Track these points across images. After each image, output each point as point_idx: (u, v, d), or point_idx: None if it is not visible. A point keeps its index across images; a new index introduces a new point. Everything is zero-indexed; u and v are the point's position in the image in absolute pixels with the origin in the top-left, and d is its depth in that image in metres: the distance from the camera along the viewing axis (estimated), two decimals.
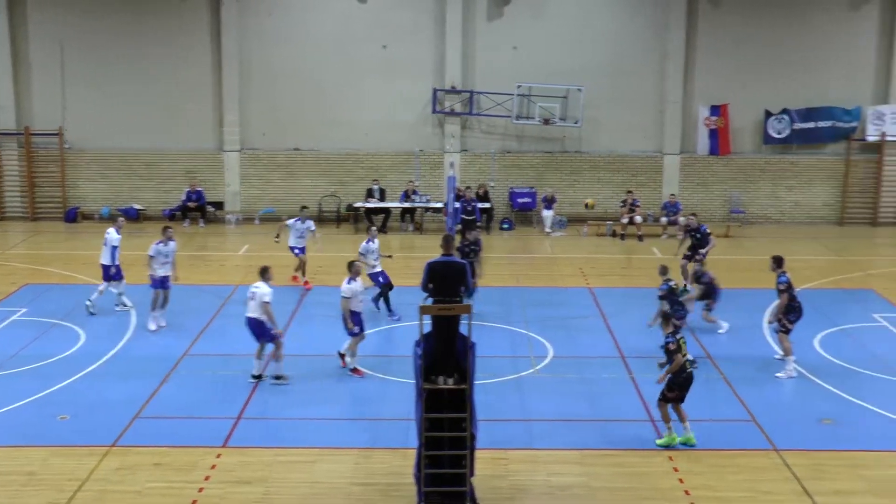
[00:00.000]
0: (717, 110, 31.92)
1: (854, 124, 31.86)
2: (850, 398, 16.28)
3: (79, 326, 19.87)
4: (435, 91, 31.84)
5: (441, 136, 32.33)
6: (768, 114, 31.88)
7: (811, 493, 12.95)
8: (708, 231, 22.57)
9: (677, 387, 14.26)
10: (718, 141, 32.11)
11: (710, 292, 19.77)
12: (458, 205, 28.28)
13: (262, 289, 16.60)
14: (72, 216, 32.13)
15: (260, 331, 16.72)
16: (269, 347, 16.84)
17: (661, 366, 14.55)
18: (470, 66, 31.94)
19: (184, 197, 31.78)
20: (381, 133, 32.27)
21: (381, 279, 20.87)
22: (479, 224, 28.63)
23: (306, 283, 23.27)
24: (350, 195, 32.10)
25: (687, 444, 14.23)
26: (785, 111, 31.73)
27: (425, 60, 31.90)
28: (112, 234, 21.04)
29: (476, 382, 12.37)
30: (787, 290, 17.23)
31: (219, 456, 13.92)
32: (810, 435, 14.87)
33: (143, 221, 32.00)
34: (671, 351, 14.25)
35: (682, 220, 24.05)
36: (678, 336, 14.38)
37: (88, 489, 12.90)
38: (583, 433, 14.86)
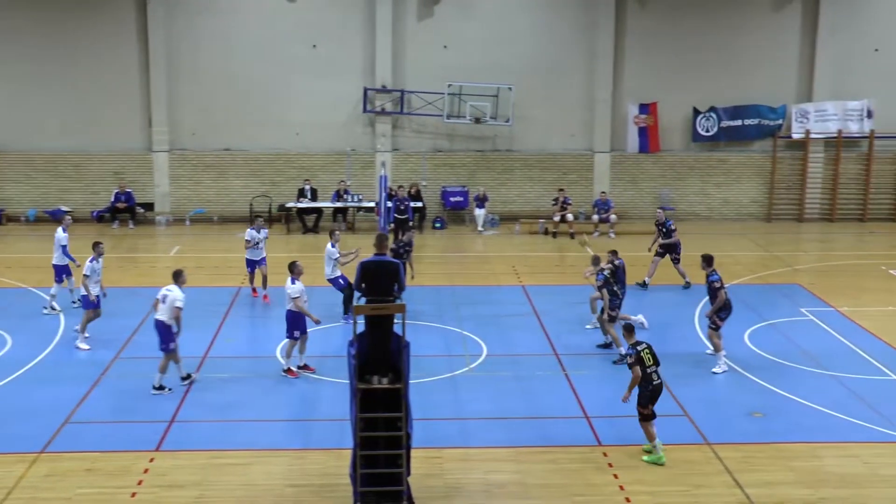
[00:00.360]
0: (646, 108, 32.33)
1: (780, 122, 32.52)
2: (779, 391, 16.64)
3: (4, 331, 19.43)
4: (366, 90, 31.77)
5: (372, 135, 32.26)
6: (696, 112, 32.39)
7: (742, 484, 13.22)
8: (673, 227, 23.65)
9: (648, 401, 13.88)
10: (648, 139, 32.53)
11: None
12: (390, 204, 28.29)
13: (174, 293, 16.29)
14: None
15: (165, 335, 16.28)
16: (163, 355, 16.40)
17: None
18: (400, 66, 31.92)
19: (112, 198, 31.26)
20: (312, 133, 32.10)
21: (342, 282, 20.44)
22: (411, 223, 28.59)
23: (265, 297, 21.92)
24: (281, 195, 31.87)
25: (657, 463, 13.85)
26: (713, 109, 32.28)
27: (355, 59, 31.81)
28: (59, 233, 20.99)
29: (411, 381, 12.41)
30: (721, 287, 17.51)
31: (151, 460, 13.76)
32: (741, 428, 15.15)
33: (72, 224, 31.31)
34: (630, 364, 13.91)
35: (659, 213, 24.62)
36: (640, 347, 13.96)
37: (17, 497, 12.64)
38: (517, 431, 14.96)
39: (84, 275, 18.38)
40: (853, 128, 32.51)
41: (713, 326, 17.60)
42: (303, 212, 30.93)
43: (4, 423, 14.91)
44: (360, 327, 12.31)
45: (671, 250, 23.65)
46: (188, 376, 16.69)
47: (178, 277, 16.57)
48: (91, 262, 18.54)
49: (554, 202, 30.75)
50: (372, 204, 30.67)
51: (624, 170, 32.93)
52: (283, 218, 31.36)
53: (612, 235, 29.86)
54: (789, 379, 17.27)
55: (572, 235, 29.76)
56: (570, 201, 30.68)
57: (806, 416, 15.68)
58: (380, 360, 12.24)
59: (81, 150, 31.82)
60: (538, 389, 16.73)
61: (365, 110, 31.95)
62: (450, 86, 31.40)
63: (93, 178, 31.97)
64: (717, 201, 33.21)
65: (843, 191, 32.99)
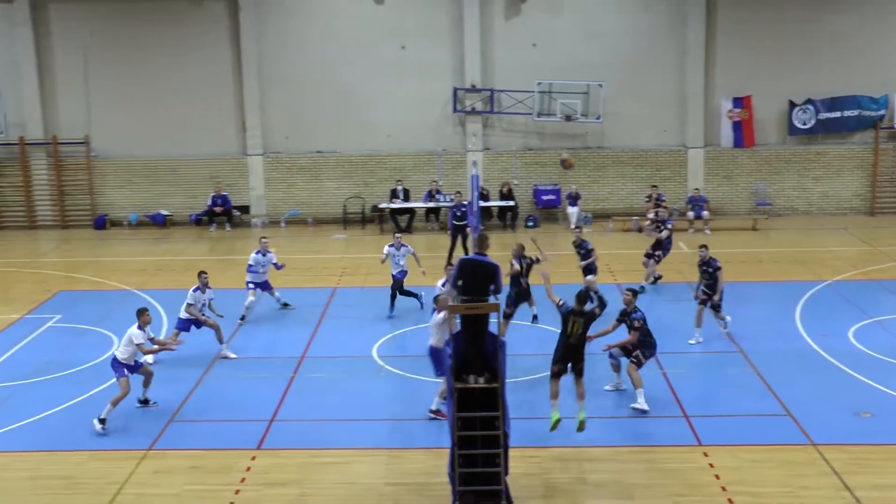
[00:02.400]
0: (739, 102, 31.74)
1: (882, 112, 31.57)
2: (888, 391, 16.12)
3: (111, 332, 20.00)
4: (455, 90, 31.86)
5: (463, 135, 32.34)
6: (792, 104, 31.67)
7: (851, 487, 12.83)
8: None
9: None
10: (742, 133, 31.94)
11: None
12: (449, 205, 27.86)
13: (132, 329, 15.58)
14: (100, 223, 32.37)
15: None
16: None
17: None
18: (489, 65, 31.94)
19: (209, 202, 31.96)
20: (403, 133, 32.33)
21: (397, 276, 20.89)
22: (469, 228, 27.21)
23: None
24: (374, 196, 32.19)
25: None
26: (809, 101, 31.52)
27: (444, 60, 31.92)
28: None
29: (508, 381, 12.37)
30: (641, 327, 15.86)
31: (253, 458, 14.01)
32: (848, 428, 14.69)
33: (171, 227, 32.25)
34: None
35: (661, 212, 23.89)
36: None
37: (127, 492, 13.02)
38: (615, 430, 14.84)
39: (187, 303, 18.27)
40: None
41: (635, 361, 15.93)
42: (395, 212, 31.17)
43: (114, 421, 15.29)
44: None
45: (658, 247, 22.86)
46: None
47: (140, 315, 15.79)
48: (195, 291, 18.37)
49: (647, 199, 30.41)
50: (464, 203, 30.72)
51: (718, 165, 32.38)
52: (376, 219, 31.66)
53: (708, 232, 29.42)
54: None
55: (640, 230, 29.26)
56: (663, 198, 30.27)
57: None
58: (476, 359, 12.24)
59: (179, 155, 32.63)
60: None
61: (455, 110, 32.05)
62: (539, 84, 31.28)
63: (190, 183, 32.74)
64: (816, 195, 32.40)
65: None
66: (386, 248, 21.23)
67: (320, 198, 32.62)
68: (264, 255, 20.84)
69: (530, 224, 31.46)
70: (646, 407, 15.47)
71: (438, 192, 31.01)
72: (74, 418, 15.55)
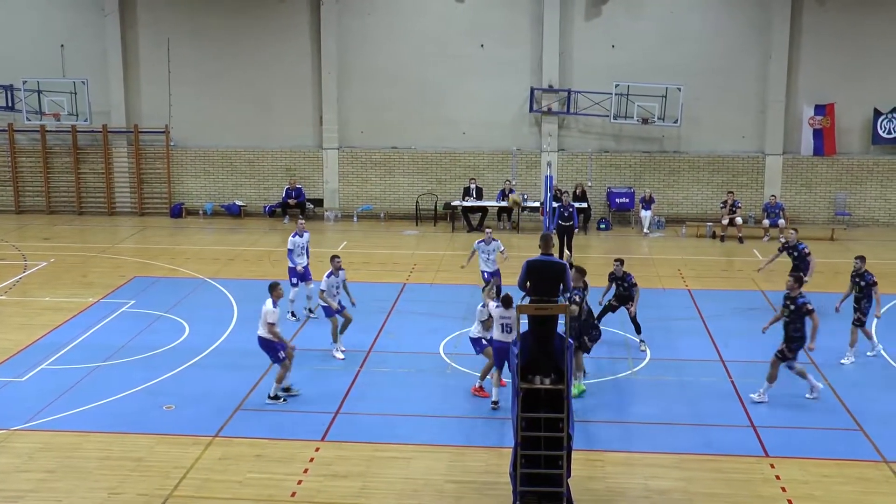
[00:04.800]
0: (822, 109, 31.11)
1: None
2: None
3: (183, 319, 20.38)
4: (532, 90, 31.77)
5: (538, 135, 32.22)
6: (877, 113, 30.94)
7: None
8: (808, 251, 20.97)
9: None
10: (823, 141, 31.29)
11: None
12: (555, 205, 27.93)
13: (266, 306, 15.70)
14: (177, 212, 33.00)
15: (270, 351, 15.91)
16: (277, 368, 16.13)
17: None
18: (567, 65, 31.77)
19: (283, 194, 32.32)
20: (479, 132, 32.34)
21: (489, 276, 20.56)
22: (576, 229, 27.48)
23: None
24: (447, 194, 32.26)
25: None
26: (895, 110, 30.76)
27: (523, 59, 31.85)
28: (291, 238, 20.64)
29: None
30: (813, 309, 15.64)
31: (317, 449, 14.13)
32: None
33: (245, 218, 32.73)
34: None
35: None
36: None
37: (193, 477, 13.23)
38: (681, 437, 14.64)
39: (321, 290, 17.99)
40: None
41: (782, 357, 15.84)
42: (468, 210, 31.18)
43: (183, 407, 15.63)
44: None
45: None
46: (279, 395, 16.02)
47: (272, 290, 15.92)
48: (328, 276, 18.03)
49: (723, 205, 29.99)
50: (537, 204, 30.64)
51: (797, 173, 31.78)
52: (448, 216, 31.72)
53: (783, 240, 28.82)
54: None
55: (741, 240, 28.94)
56: (739, 204, 29.86)
57: None
58: (543, 360, 12.21)
59: (255, 146, 33.09)
60: (703, 396, 16.32)
61: (531, 110, 31.96)
62: (617, 86, 31.02)
63: (265, 174, 33.18)
64: None
65: None
66: (475, 244, 20.86)
67: (393, 193, 32.82)
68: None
69: (602, 227, 31.23)
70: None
71: (512, 191, 30.94)
72: (145, 402, 15.87)
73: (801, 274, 17.68)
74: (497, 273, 20.25)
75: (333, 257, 18.43)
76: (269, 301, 15.73)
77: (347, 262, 25.26)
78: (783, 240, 21.23)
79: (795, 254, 20.44)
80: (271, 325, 15.62)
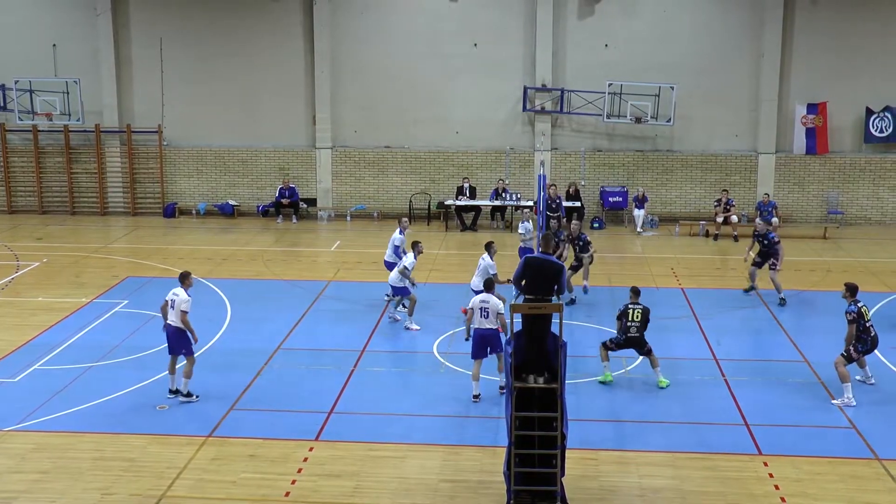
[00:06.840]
0: (814, 108, 31.16)
1: None
2: None
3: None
4: (525, 89, 31.77)
5: (531, 134, 32.24)
6: (869, 112, 31.01)
7: None
8: (777, 239, 21.98)
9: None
10: (816, 140, 31.35)
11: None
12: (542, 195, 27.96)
13: (181, 296, 15.81)
14: (170, 211, 32.94)
15: (182, 341, 15.88)
16: (182, 360, 16.05)
17: None
18: (560, 64, 31.78)
19: (277, 194, 32.29)
20: (472, 131, 32.34)
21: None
22: (563, 220, 27.63)
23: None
24: (440, 193, 32.26)
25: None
26: (887, 109, 30.82)
27: (516, 58, 31.85)
28: (396, 234, 21.22)
29: (567, 382, 12.30)
30: (853, 321, 15.90)
31: (311, 449, 14.11)
32: None
33: (238, 217, 32.69)
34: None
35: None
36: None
37: (186, 478, 13.21)
38: (675, 435, 14.65)
39: (404, 267, 19.66)
40: None
41: (846, 356, 15.95)
42: (461, 210, 31.19)
43: (177, 407, 15.60)
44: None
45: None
46: (176, 391, 15.97)
47: (184, 280, 16.10)
48: (416, 257, 19.96)
49: (717, 203, 30.04)
50: (530, 203, 30.65)
51: (789, 171, 31.84)
52: (441, 215, 31.72)
53: (756, 230, 28.87)
54: None
55: (736, 238, 28.98)
56: (733, 203, 29.92)
57: None
58: (536, 359, 12.22)
59: (248, 146, 33.05)
60: (696, 394, 16.35)
61: (525, 109, 31.97)
62: (610, 85, 31.03)
63: (259, 174, 33.13)
64: (892, 205, 31.69)
65: None
66: (521, 227, 23.44)
67: (386, 193, 32.80)
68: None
69: (596, 225, 31.25)
70: (853, 403, 15.61)
71: (505, 190, 30.95)
72: (137, 402, 15.83)
73: (774, 260, 21.50)
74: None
75: (417, 243, 20.32)
76: (181, 289, 15.92)
77: (341, 262, 25.47)
78: (756, 229, 22.58)
79: (766, 242, 22.05)
80: (184, 313, 15.72)
